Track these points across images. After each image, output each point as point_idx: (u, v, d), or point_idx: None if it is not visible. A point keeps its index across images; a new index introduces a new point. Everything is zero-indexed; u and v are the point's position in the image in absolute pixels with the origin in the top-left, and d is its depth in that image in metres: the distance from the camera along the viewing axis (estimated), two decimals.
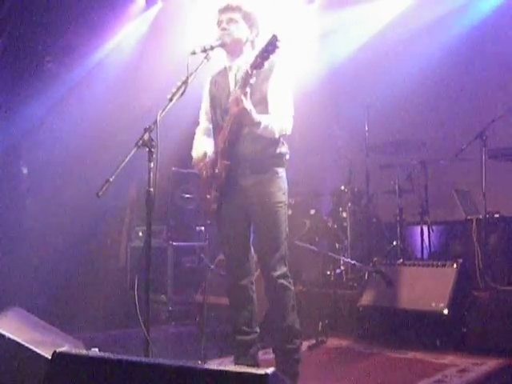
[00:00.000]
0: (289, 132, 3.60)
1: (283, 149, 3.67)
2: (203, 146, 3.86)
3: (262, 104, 3.52)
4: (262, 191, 3.58)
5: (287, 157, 3.70)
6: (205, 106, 3.93)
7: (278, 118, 3.53)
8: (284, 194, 3.66)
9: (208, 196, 3.69)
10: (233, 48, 3.65)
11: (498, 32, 6.76)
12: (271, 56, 3.24)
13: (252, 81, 3.32)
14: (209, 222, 3.93)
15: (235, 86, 3.63)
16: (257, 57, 3.26)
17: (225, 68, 3.78)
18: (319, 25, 7.23)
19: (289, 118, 3.60)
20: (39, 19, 7.36)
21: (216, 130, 3.75)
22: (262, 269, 3.65)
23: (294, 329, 3.65)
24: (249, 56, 3.62)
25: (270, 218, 3.59)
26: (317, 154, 7.30)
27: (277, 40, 3.20)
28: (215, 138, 3.74)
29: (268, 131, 3.47)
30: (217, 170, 3.60)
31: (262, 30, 3.73)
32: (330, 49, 7.39)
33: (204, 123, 3.96)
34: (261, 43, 3.37)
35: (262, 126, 3.41)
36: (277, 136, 3.54)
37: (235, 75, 3.68)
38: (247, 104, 3.31)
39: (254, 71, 3.29)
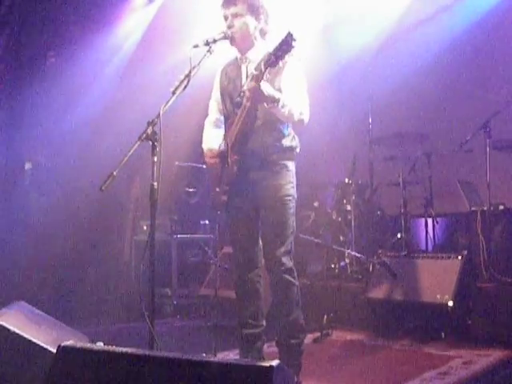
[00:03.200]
0: (306, 120, 3.56)
1: (294, 142, 3.66)
2: (213, 138, 3.84)
3: None
4: (270, 184, 3.57)
5: (297, 150, 3.69)
6: (216, 96, 3.88)
7: (297, 101, 3.50)
8: (293, 187, 3.65)
9: (217, 189, 3.67)
10: (242, 43, 3.62)
11: (502, 23, 6.72)
12: (286, 56, 3.20)
13: (265, 78, 3.29)
14: (218, 212, 3.90)
15: (247, 80, 3.62)
16: (270, 54, 3.21)
17: (236, 59, 3.75)
18: (323, 16, 7.20)
19: (306, 106, 3.56)
20: (41, 14, 7.36)
21: (227, 121, 3.73)
22: (268, 262, 3.64)
23: (298, 324, 3.65)
24: (260, 47, 3.62)
25: (278, 211, 3.58)
26: (320, 146, 7.28)
27: (292, 39, 3.14)
28: (226, 130, 3.72)
29: (287, 111, 3.43)
30: (228, 164, 3.56)
31: (270, 14, 3.68)
32: (334, 40, 7.37)
33: (214, 114, 3.92)
34: (275, 36, 3.33)
35: (280, 102, 3.37)
36: (296, 119, 3.50)
37: (247, 67, 3.66)
38: (263, 84, 3.28)
39: (268, 69, 3.25)
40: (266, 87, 3.32)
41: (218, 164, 3.66)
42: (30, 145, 7.56)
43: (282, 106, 3.40)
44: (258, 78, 3.27)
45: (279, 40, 3.19)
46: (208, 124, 3.96)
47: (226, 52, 3.75)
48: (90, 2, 7.30)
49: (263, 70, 3.25)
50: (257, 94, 3.30)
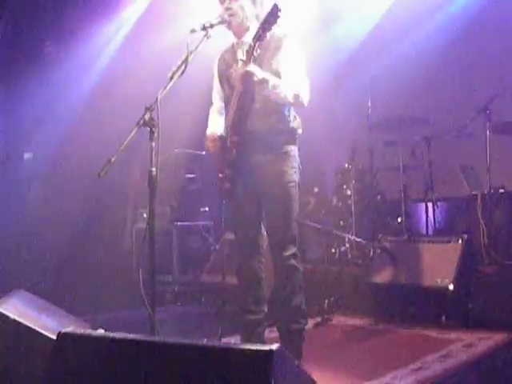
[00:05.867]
0: (306, 101, 3.52)
1: (295, 123, 3.63)
2: (217, 124, 3.83)
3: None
4: (274, 170, 3.55)
5: (299, 132, 3.66)
6: (216, 84, 3.88)
7: (291, 82, 3.46)
8: (296, 172, 3.62)
9: (220, 175, 3.64)
10: (239, 27, 3.59)
11: (499, 5, 6.68)
12: (273, 27, 3.20)
13: (256, 53, 3.27)
14: (224, 201, 3.90)
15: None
16: (259, 29, 3.23)
17: (232, 45, 3.73)
18: (320, 1, 7.15)
19: (304, 86, 3.52)
20: (38, 2, 7.32)
21: (227, 106, 3.71)
22: (273, 249, 3.63)
23: (301, 309, 3.65)
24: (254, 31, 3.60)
25: (282, 197, 3.56)
26: (320, 132, 7.26)
27: (278, 10, 3.16)
28: (226, 115, 3.71)
29: (278, 92, 3.41)
30: (228, 147, 3.54)
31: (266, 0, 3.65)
32: (332, 25, 7.32)
33: (218, 102, 3.91)
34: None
35: (270, 83, 3.35)
36: (291, 101, 3.47)
37: (243, 52, 3.63)
38: (251, 67, 3.28)
39: (258, 43, 3.25)
40: (253, 68, 3.31)
41: (217, 148, 3.65)
42: (28, 135, 7.55)
43: (274, 88, 3.38)
44: (248, 56, 3.28)
45: (266, 13, 3.22)
46: (213, 111, 3.95)
47: (225, 37, 3.72)
48: None
49: (253, 44, 3.26)
50: (244, 75, 3.30)
